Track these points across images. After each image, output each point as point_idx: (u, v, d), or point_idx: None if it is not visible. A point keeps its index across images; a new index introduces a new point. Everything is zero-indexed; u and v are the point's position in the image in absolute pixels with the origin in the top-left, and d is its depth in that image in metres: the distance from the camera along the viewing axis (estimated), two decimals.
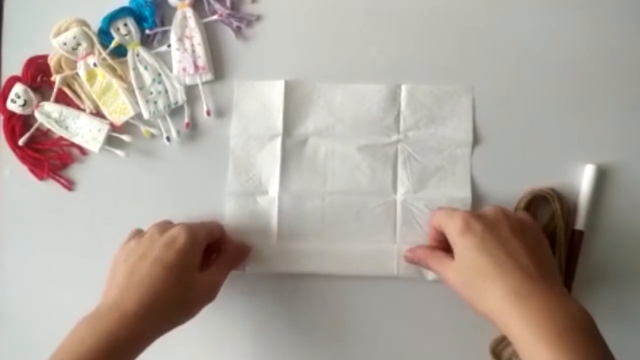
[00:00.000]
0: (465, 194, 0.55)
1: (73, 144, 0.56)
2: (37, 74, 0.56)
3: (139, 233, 0.52)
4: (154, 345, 0.46)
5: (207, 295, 0.49)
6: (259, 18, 0.57)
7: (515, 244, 0.46)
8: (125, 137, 0.56)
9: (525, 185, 0.55)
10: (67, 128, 0.56)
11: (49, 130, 0.56)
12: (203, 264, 0.50)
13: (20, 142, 0.56)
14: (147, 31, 0.56)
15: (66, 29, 0.55)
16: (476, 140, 0.56)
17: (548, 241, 0.49)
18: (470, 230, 0.47)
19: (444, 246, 0.51)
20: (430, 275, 0.54)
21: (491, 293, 0.44)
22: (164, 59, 0.57)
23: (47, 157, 0.57)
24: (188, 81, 0.57)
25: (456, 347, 0.55)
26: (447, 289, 0.48)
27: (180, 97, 0.57)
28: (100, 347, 0.42)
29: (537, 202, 0.55)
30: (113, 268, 0.49)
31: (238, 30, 0.57)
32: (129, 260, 0.48)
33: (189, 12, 0.56)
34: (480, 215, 0.48)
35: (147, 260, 0.47)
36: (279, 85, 0.56)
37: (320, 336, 0.55)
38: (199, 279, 0.48)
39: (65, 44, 0.55)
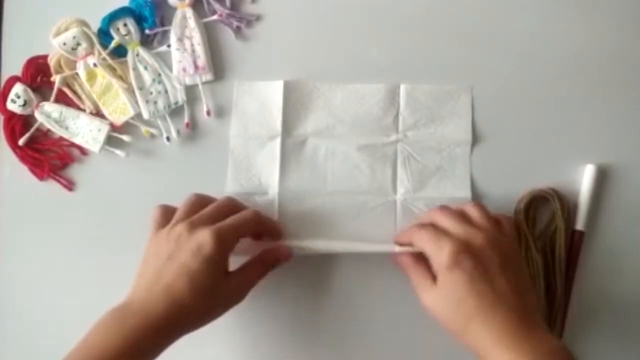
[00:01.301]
0: (465, 193, 0.55)
1: (73, 144, 0.56)
2: (37, 74, 0.56)
3: (167, 213, 0.50)
4: None
5: (234, 299, 0.49)
6: (258, 18, 0.58)
7: (504, 283, 0.45)
8: (125, 137, 0.56)
9: (526, 185, 0.55)
10: (67, 128, 0.56)
11: (49, 130, 0.56)
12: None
13: (21, 142, 0.56)
14: (147, 31, 0.56)
15: (66, 29, 0.55)
16: (476, 139, 0.56)
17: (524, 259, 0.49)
18: (459, 266, 0.45)
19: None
20: None
21: (477, 332, 0.44)
22: (164, 59, 0.57)
23: (47, 157, 0.57)
24: (188, 81, 0.57)
25: None
26: None
27: (180, 97, 0.57)
28: (124, 346, 0.43)
29: (537, 202, 0.55)
30: (144, 261, 0.49)
31: (238, 30, 0.57)
32: (158, 257, 0.47)
33: (189, 12, 0.56)
34: (470, 247, 0.46)
35: (173, 264, 0.46)
36: (279, 86, 0.56)
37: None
38: (225, 285, 0.48)
39: (65, 44, 0.55)
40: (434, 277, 0.47)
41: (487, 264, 0.45)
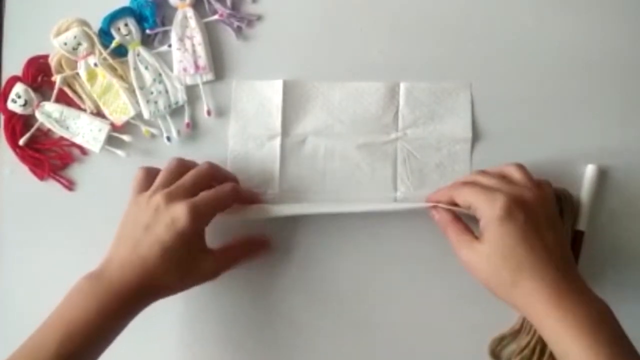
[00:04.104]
0: None
1: (73, 144, 0.56)
2: (38, 74, 0.56)
3: (150, 176, 0.50)
4: None
5: (208, 277, 0.50)
6: (259, 18, 0.58)
7: (552, 238, 0.45)
8: (125, 137, 0.56)
9: None
10: (67, 128, 0.56)
11: (49, 130, 0.57)
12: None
13: (21, 142, 0.56)
14: (148, 31, 0.57)
15: (67, 29, 0.55)
16: (475, 137, 0.56)
17: None
18: (512, 218, 0.45)
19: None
20: None
21: (524, 286, 0.44)
22: (165, 59, 0.57)
23: (48, 157, 0.57)
24: (189, 81, 0.57)
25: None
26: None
27: (181, 97, 0.57)
28: (97, 313, 0.45)
29: None
30: (122, 225, 0.49)
31: (239, 30, 0.57)
32: (136, 225, 0.47)
33: (190, 12, 0.56)
34: (521, 202, 0.45)
35: (149, 235, 0.47)
36: (278, 85, 0.56)
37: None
38: (201, 262, 0.49)
39: (65, 43, 0.55)
40: (476, 237, 0.47)
41: (537, 220, 0.45)
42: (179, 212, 0.46)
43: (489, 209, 0.46)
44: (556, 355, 0.44)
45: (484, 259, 0.46)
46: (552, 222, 0.47)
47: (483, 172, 0.50)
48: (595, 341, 0.41)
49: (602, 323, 0.43)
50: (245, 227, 0.55)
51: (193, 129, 0.57)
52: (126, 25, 0.56)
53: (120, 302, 0.46)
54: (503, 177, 0.49)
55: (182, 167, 0.51)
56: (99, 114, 0.57)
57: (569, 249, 0.48)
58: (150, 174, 0.51)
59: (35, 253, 0.57)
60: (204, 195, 0.49)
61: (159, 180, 0.50)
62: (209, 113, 0.57)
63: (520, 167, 0.49)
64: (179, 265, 0.47)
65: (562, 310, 0.43)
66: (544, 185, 0.49)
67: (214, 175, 0.52)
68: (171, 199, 0.47)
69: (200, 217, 0.47)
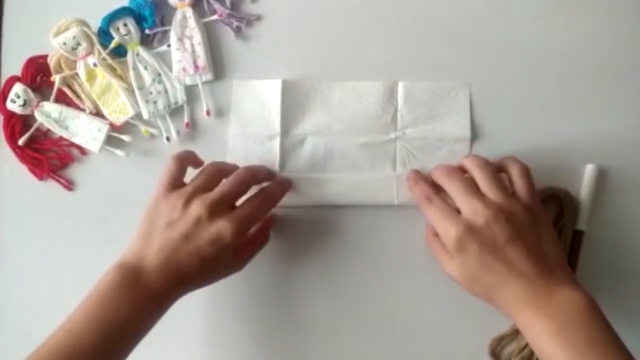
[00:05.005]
0: None
1: (73, 144, 0.57)
2: (37, 74, 0.56)
3: (182, 172, 0.50)
4: None
5: (234, 271, 0.51)
6: (259, 18, 0.58)
7: (514, 251, 0.45)
8: (125, 137, 0.56)
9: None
10: (67, 128, 0.56)
11: (48, 130, 0.57)
12: None
13: (20, 142, 0.56)
14: (147, 31, 0.57)
15: (66, 29, 0.55)
16: (474, 136, 0.55)
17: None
18: (465, 250, 0.46)
19: None
20: None
21: (498, 300, 0.46)
22: (164, 59, 0.57)
23: (47, 157, 0.57)
24: (188, 81, 0.57)
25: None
26: None
27: (180, 97, 0.57)
28: (134, 315, 0.46)
29: (544, 200, 0.54)
30: (150, 220, 0.49)
31: (238, 30, 0.57)
32: (171, 229, 0.47)
33: (189, 12, 0.56)
34: (474, 228, 0.45)
35: (187, 246, 0.47)
36: (277, 85, 0.56)
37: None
38: (231, 263, 0.50)
39: (65, 43, 0.55)
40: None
41: (494, 241, 0.45)
42: (224, 229, 0.47)
43: (445, 238, 0.47)
44: (538, 356, 0.45)
45: (457, 276, 0.47)
46: (514, 233, 0.45)
47: (451, 174, 0.49)
48: (570, 334, 0.42)
49: (581, 315, 0.43)
50: None
51: (192, 129, 0.57)
52: (125, 25, 0.56)
53: (155, 305, 0.47)
54: (471, 183, 0.48)
55: (219, 173, 0.51)
56: (98, 114, 0.57)
57: (545, 249, 0.46)
58: (182, 168, 0.50)
59: (35, 253, 0.57)
60: (246, 209, 0.49)
61: (196, 182, 0.49)
62: (208, 113, 0.57)
63: (488, 171, 0.48)
64: (213, 269, 0.49)
65: (533, 310, 0.44)
66: (521, 187, 0.48)
67: (252, 181, 0.52)
68: (214, 213, 0.47)
69: (244, 233, 0.49)
